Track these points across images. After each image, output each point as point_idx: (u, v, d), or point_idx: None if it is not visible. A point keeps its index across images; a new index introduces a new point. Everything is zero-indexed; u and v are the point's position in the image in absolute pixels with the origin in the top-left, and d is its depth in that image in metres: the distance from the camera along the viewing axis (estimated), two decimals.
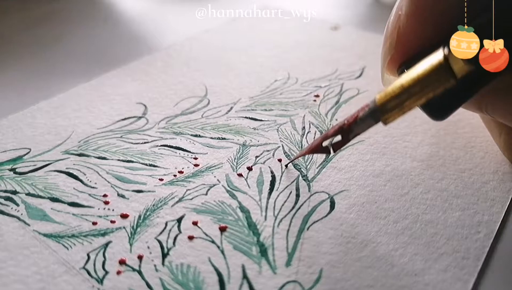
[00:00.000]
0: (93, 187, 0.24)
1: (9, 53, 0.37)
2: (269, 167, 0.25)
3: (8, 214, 0.22)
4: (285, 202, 0.23)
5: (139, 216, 0.22)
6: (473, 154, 0.26)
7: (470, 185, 0.24)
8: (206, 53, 0.37)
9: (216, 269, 0.20)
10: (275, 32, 0.40)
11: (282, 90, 0.32)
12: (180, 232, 0.21)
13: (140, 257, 0.20)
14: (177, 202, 0.23)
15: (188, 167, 0.25)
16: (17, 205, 0.23)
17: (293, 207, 0.23)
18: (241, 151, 0.26)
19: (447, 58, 0.18)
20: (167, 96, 0.31)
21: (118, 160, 0.26)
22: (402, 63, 0.21)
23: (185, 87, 0.32)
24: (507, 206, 0.23)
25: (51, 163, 0.25)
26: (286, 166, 0.25)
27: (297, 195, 0.23)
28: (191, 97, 0.31)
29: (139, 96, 0.31)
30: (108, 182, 0.24)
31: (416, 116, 0.29)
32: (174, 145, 0.27)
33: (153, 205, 0.23)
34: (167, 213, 0.22)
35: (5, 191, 0.24)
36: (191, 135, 0.28)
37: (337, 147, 0.21)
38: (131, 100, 0.31)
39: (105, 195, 0.23)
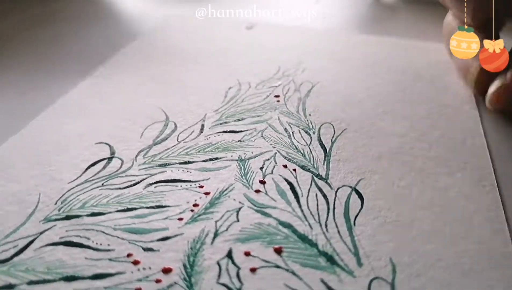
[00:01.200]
0: (108, 250, 0.20)
1: (9, 53, 0.35)
2: (280, 175, 0.24)
3: None
4: (318, 205, 0.23)
5: (184, 265, 0.20)
6: None
7: None
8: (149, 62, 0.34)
9: None
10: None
11: (241, 97, 0.31)
12: (238, 268, 0.19)
13: None
14: (214, 238, 0.21)
15: (200, 198, 0.23)
16: None
17: (328, 208, 0.22)
18: (242, 166, 0.25)
19: None
20: (126, 128, 0.28)
21: (117, 211, 0.22)
22: None
23: (140, 112, 0.29)
24: None
25: (36, 238, 0.21)
26: None
27: (324, 196, 0.23)
28: (154, 123, 0.28)
29: (94, 135, 0.27)
30: (122, 239, 0.21)
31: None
32: (169, 179, 0.24)
33: (191, 249, 0.20)
34: (211, 252, 0.20)
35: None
36: (180, 163, 0.25)
37: None
38: (89, 142, 0.26)
39: (129, 255, 0.20)
